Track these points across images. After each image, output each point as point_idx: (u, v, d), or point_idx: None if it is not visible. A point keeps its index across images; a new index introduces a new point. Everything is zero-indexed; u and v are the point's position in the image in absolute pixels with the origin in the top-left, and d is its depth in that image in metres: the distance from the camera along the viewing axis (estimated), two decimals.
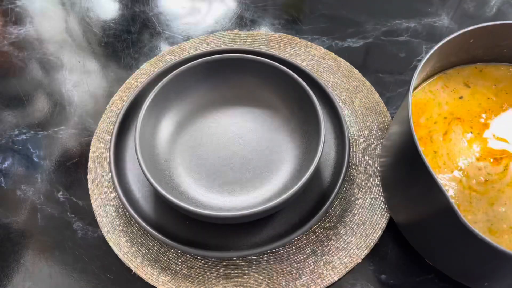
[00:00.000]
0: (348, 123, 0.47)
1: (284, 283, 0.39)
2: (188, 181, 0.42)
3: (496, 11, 0.58)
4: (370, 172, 0.44)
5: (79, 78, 0.52)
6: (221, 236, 0.39)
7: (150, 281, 0.39)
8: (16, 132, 0.48)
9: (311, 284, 0.39)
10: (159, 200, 0.41)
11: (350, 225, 0.41)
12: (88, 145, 0.47)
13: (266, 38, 0.54)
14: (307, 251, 0.40)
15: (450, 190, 0.35)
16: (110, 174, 0.44)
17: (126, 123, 0.45)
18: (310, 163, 0.38)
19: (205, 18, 0.57)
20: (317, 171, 0.42)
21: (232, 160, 0.43)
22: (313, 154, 0.39)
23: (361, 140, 0.46)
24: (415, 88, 0.41)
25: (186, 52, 0.53)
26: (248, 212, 0.35)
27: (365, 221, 0.41)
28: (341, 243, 0.40)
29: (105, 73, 0.52)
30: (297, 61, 0.51)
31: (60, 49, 0.55)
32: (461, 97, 0.40)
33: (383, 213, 0.42)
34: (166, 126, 0.44)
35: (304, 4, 0.59)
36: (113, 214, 0.42)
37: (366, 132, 0.47)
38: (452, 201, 0.28)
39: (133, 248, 0.40)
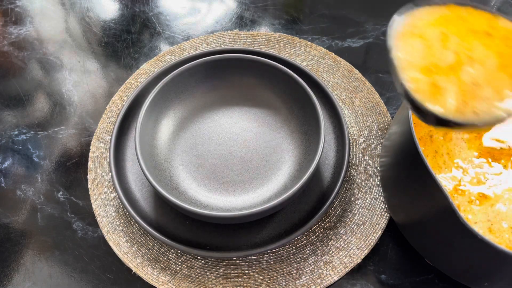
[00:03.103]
0: (348, 123, 0.47)
1: (284, 283, 0.39)
2: (188, 181, 0.42)
3: (496, 11, 0.57)
4: (370, 172, 0.44)
5: (79, 78, 0.52)
6: (221, 236, 0.39)
7: (150, 281, 0.39)
8: (16, 132, 0.48)
9: (311, 284, 0.39)
10: (159, 200, 0.41)
11: (350, 225, 0.41)
12: (88, 145, 0.47)
13: (266, 38, 0.54)
14: (307, 251, 0.40)
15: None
16: (110, 174, 0.44)
17: (126, 123, 0.45)
18: (310, 163, 0.38)
19: (205, 18, 0.57)
20: (317, 171, 0.42)
21: (232, 160, 0.43)
22: (313, 154, 0.39)
23: (361, 140, 0.46)
24: None
25: (186, 52, 0.53)
26: (248, 212, 0.35)
27: (365, 221, 0.41)
28: (341, 243, 0.40)
29: (105, 73, 0.52)
30: (297, 61, 0.51)
31: (60, 49, 0.55)
32: None
33: (383, 213, 0.42)
34: (166, 126, 0.44)
35: (304, 4, 0.59)
36: (113, 214, 0.42)
37: (366, 132, 0.47)
38: (452, 201, 0.28)
39: (133, 248, 0.40)
